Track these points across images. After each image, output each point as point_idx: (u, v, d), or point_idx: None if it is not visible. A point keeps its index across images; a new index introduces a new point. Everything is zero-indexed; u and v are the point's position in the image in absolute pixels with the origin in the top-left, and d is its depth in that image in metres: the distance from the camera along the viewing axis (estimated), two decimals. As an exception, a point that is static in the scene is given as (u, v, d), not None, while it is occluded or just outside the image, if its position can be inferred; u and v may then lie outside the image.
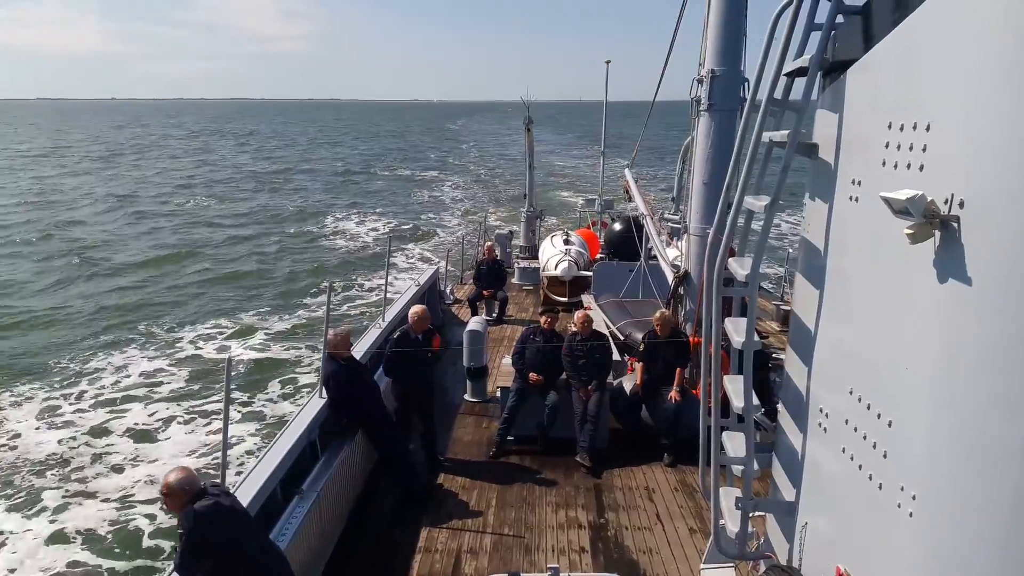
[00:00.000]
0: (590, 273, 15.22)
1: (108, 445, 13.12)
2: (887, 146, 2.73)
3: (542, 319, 9.16)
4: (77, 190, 50.39)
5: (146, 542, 10.07)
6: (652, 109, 14.11)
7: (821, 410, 3.26)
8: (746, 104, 8.83)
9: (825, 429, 3.21)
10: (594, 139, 24.25)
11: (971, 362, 2.26)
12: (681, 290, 9.66)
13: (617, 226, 17.92)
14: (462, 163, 74.84)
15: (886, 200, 2.41)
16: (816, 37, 3.32)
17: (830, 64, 3.31)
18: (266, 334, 19.74)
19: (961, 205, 2.26)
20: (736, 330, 3.62)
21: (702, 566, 4.91)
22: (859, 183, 2.98)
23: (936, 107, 2.45)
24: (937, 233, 2.35)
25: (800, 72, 3.43)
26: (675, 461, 8.42)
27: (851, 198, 3.04)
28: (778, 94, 3.51)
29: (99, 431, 13.66)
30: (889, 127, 2.71)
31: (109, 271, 27.33)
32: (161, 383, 16.16)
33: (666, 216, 17.63)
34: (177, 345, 18.82)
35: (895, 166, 2.66)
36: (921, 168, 2.49)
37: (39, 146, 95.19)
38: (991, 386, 2.19)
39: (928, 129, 2.46)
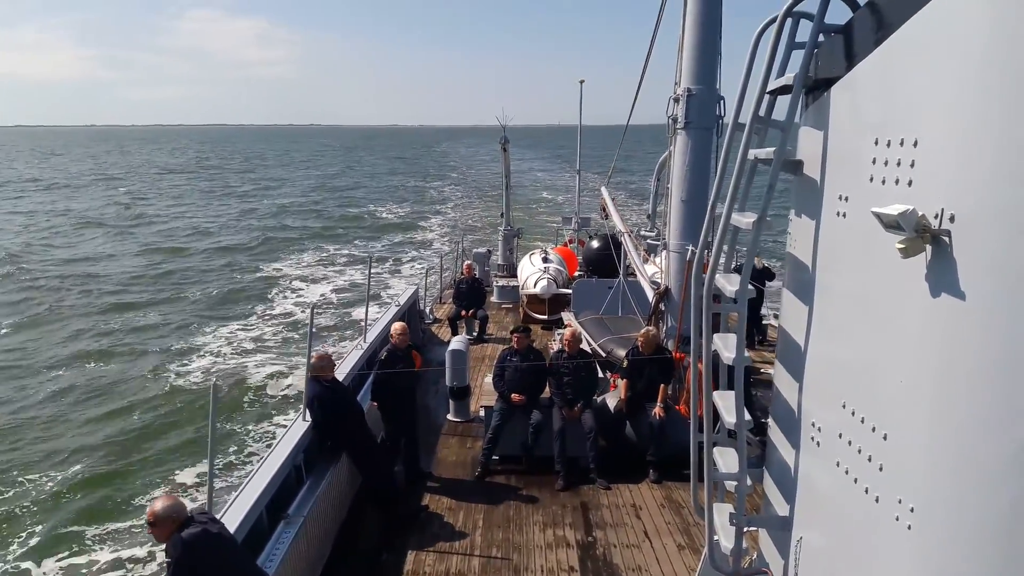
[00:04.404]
0: (569, 291, 15.26)
1: (90, 472, 12.82)
2: (874, 162, 2.77)
3: (513, 338, 9.16)
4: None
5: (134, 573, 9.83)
6: (627, 128, 14.28)
7: (813, 424, 3.27)
8: (721, 122, 9.00)
9: (818, 443, 3.22)
10: (570, 161, 24.93)
11: (967, 373, 2.28)
12: (662, 306, 9.71)
13: (595, 243, 18.03)
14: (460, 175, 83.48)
15: (877, 215, 2.45)
16: (798, 56, 3.38)
17: (813, 82, 3.37)
18: (248, 355, 19.57)
19: (952, 219, 2.30)
20: (726, 346, 3.64)
21: None
22: (846, 199, 3.02)
23: (923, 123, 2.49)
24: (928, 247, 2.38)
25: (783, 90, 3.48)
26: (660, 477, 8.43)
27: (838, 214, 3.08)
28: (761, 112, 3.56)
29: (80, 457, 13.36)
30: (876, 143, 2.75)
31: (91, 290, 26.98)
32: (143, 406, 15.89)
33: (643, 233, 17.79)
34: (159, 367, 18.56)
35: (883, 181, 2.70)
36: (910, 183, 2.53)
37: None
38: (988, 396, 2.22)
39: (916, 145, 2.51)
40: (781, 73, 3.50)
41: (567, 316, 14.15)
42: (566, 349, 8.93)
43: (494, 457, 8.67)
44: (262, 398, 16.38)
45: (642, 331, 9.13)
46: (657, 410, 8.56)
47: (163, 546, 4.35)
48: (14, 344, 20.57)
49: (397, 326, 8.78)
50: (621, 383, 9.02)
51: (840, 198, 3.07)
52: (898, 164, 2.61)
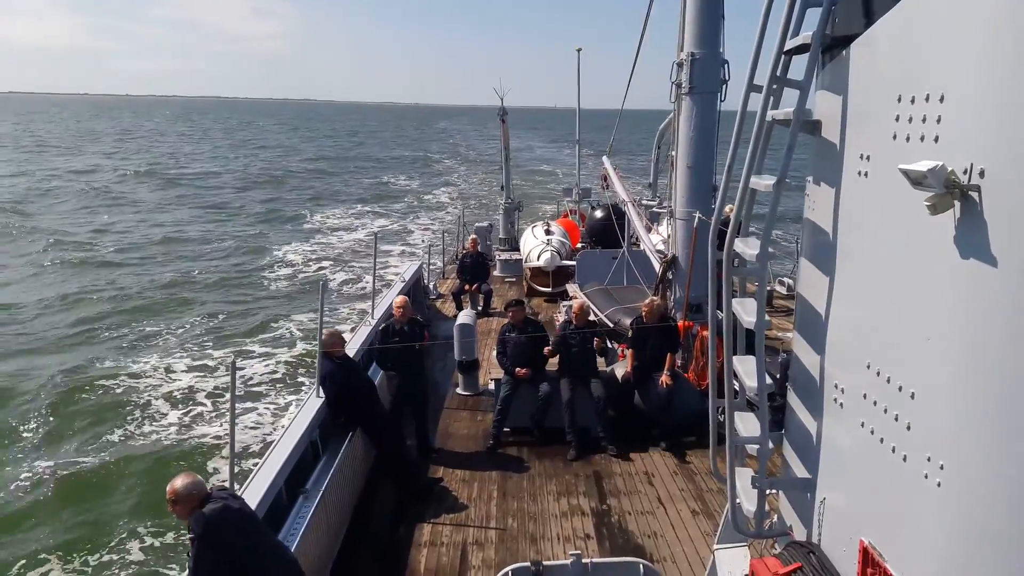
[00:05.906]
0: (573, 262, 15.24)
1: (110, 449, 12.79)
2: (897, 119, 2.73)
3: (509, 313, 9.14)
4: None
5: (156, 551, 9.84)
6: (626, 96, 14.19)
7: (836, 386, 3.26)
8: (726, 86, 8.89)
9: (841, 405, 3.22)
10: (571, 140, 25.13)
11: (996, 330, 2.27)
12: (669, 275, 9.70)
13: (598, 214, 17.97)
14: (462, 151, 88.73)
15: (904, 172, 2.41)
16: (813, 13, 3.32)
17: (831, 39, 3.31)
18: (263, 333, 19.63)
19: (981, 175, 2.27)
20: (745, 310, 3.62)
21: (715, 546, 4.93)
22: (868, 158, 2.98)
23: (949, 77, 2.45)
24: (957, 204, 2.35)
25: (798, 50, 3.43)
26: (671, 445, 8.48)
27: (860, 173, 3.04)
28: (776, 73, 3.51)
29: (99, 435, 13.30)
30: (899, 100, 2.71)
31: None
32: (161, 385, 15.89)
33: (644, 202, 17.75)
34: (173, 349, 18.52)
35: (907, 139, 2.66)
36: (936, 140, 2.49)
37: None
38: (1018, 351, 2.21)
39: (942, 100, 2.46)
40: (796, 33, 3.44)
41: (572, 288, 14.15)
42: (574, 321, 8.94)
43: (505, 429, 8.71)
44: (274, 375, 16.42)
45: (646, 300, 9.14)
46: (664, 378, 8.58)
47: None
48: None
49: (397, 300, 8.79)
50: (628, 353, 9.04)
51: (862, 157, 3.03)
52: (923, 120, 2.57)
